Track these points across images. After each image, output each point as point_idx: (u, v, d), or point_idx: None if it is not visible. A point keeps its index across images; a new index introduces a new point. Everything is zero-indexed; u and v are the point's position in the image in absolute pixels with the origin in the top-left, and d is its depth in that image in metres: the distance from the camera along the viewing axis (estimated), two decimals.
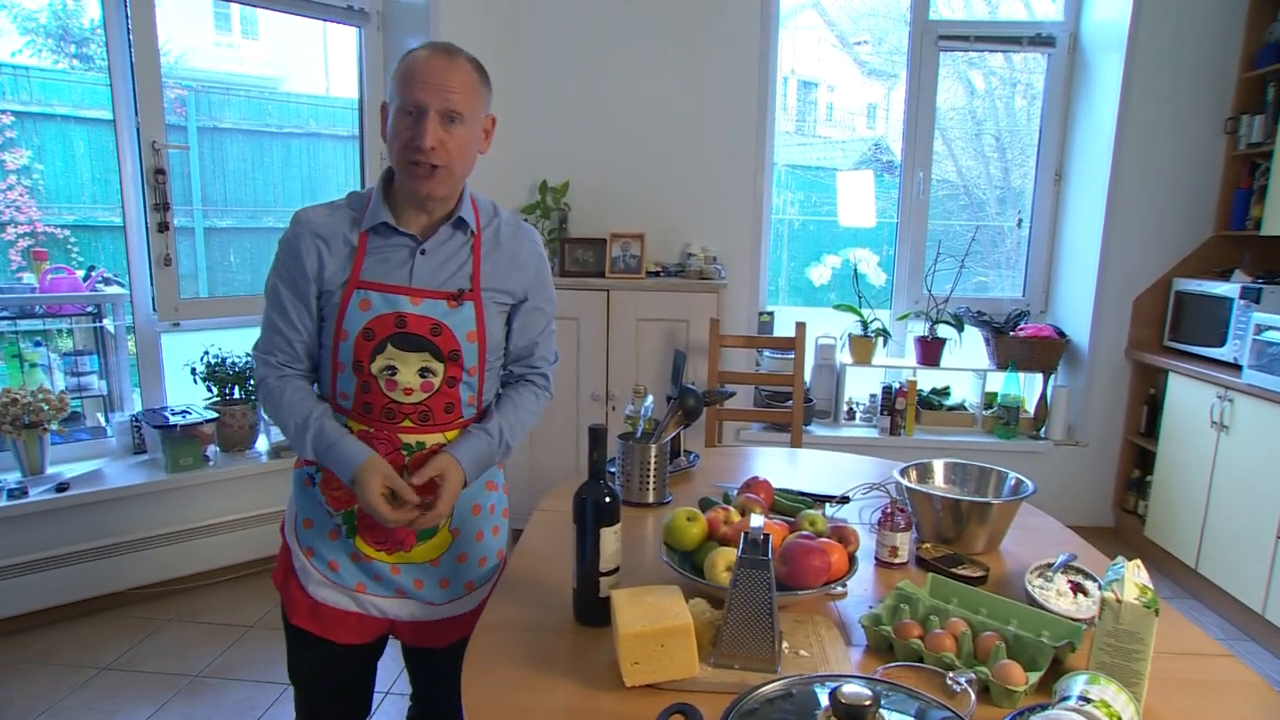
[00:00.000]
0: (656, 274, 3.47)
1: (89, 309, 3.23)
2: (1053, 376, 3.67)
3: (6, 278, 3.36)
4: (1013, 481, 1.63)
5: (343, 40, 3.55)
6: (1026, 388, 3.70)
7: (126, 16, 2.78)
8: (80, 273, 3.18)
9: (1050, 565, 1.38)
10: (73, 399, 2.95)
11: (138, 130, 2.87)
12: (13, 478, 2.77)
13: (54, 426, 2.85)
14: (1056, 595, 1.31)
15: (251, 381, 3.19)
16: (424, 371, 1.38)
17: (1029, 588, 1.31)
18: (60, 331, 3.33)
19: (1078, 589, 1.32)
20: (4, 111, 3.52)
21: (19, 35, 3.90)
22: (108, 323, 3.18)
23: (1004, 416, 3.58)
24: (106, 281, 3.18)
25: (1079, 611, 1.26)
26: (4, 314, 3.20)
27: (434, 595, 1.50)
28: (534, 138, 3.64)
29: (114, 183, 2.98)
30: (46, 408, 2.78)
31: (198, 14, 3.87)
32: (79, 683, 2.47)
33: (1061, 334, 3.64)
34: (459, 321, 1.39)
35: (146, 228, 2.95)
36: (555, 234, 3.53)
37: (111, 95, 2.85)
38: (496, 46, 3.57)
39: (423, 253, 1.39)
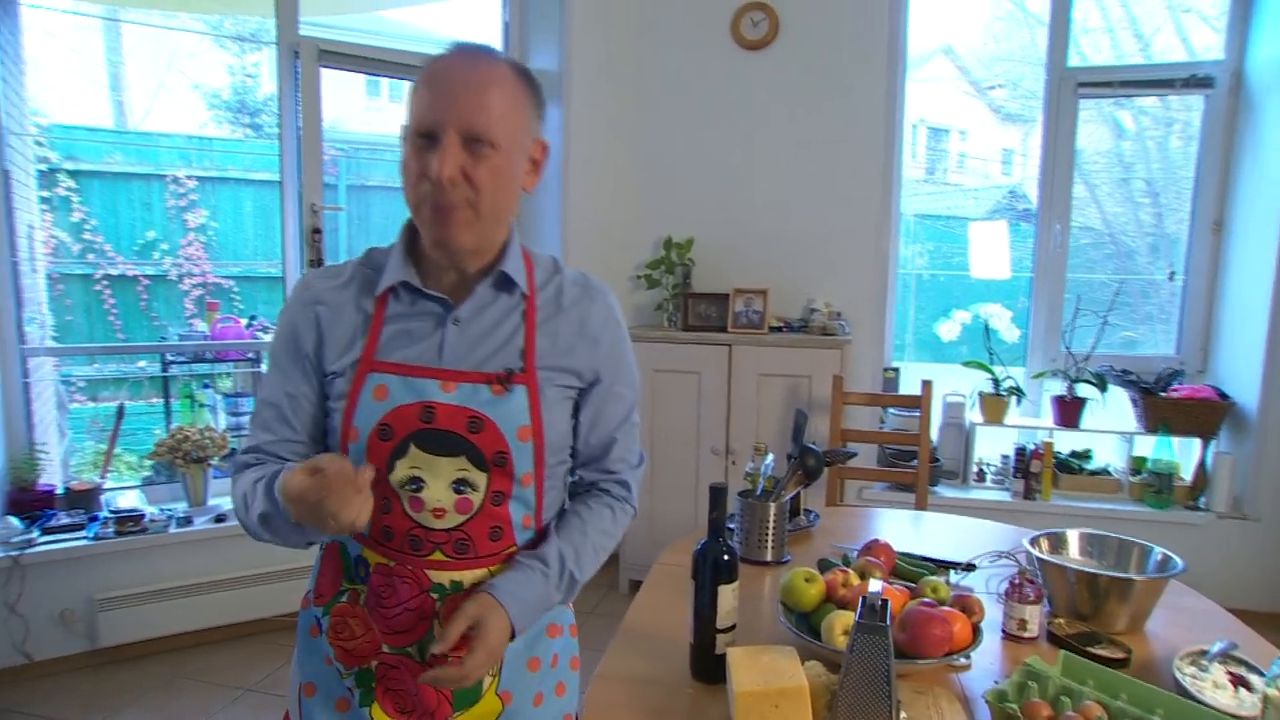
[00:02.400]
0: (779, 329, 3.46)
1: (249, 354, 3.55)
2: (1213, 442, 3.38)
3: (183, 325, 3.74)
4: (1159, 557, 1.52)
5: None
6: (1182, 453, 3.42)
7: (297, 92, 3.08)
8: (244, 321, 3.51)
9: (1205, 652, 1.27)
10: (231, 437, 3.22)
11: (299, 193, 3.16)
12: (180, 508, 3.04)
13: (215, 462, 3.12)
14: (1213, 687, 1.20)
15: None
16: (460, 485, 1.03)
17: (1179, 675, 1.21)
18: (222, 374, 3.67)
19: (1239, 682, 1.21)
20: (190, 177, 3.97)
21: (206, 110, 4.40)
22: (264, 367, 3.48)
23: (1155, 484, 3.31)
24: (266, 330, 3.49)
25: (1240, 708, 1.15)
26: (181, 358, 3.56)
27: None
28: (659, 194, 3.75)
29: (273, 237, 3.28)
30: (211, 444, 3.06)
31: (352, 84, 4.24)
32: (227, 700, 2.65)
33: (1224, 396, 3.35)
34: (507, 413, 1.03)
35: None
36: (679, 289, 3.60)
37: (280, 162, 3.15)
38: (625, 106, 3.72)
39: (455, 321, 1.06)
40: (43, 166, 3.22)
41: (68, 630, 2.79)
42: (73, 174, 3.68)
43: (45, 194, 3.27)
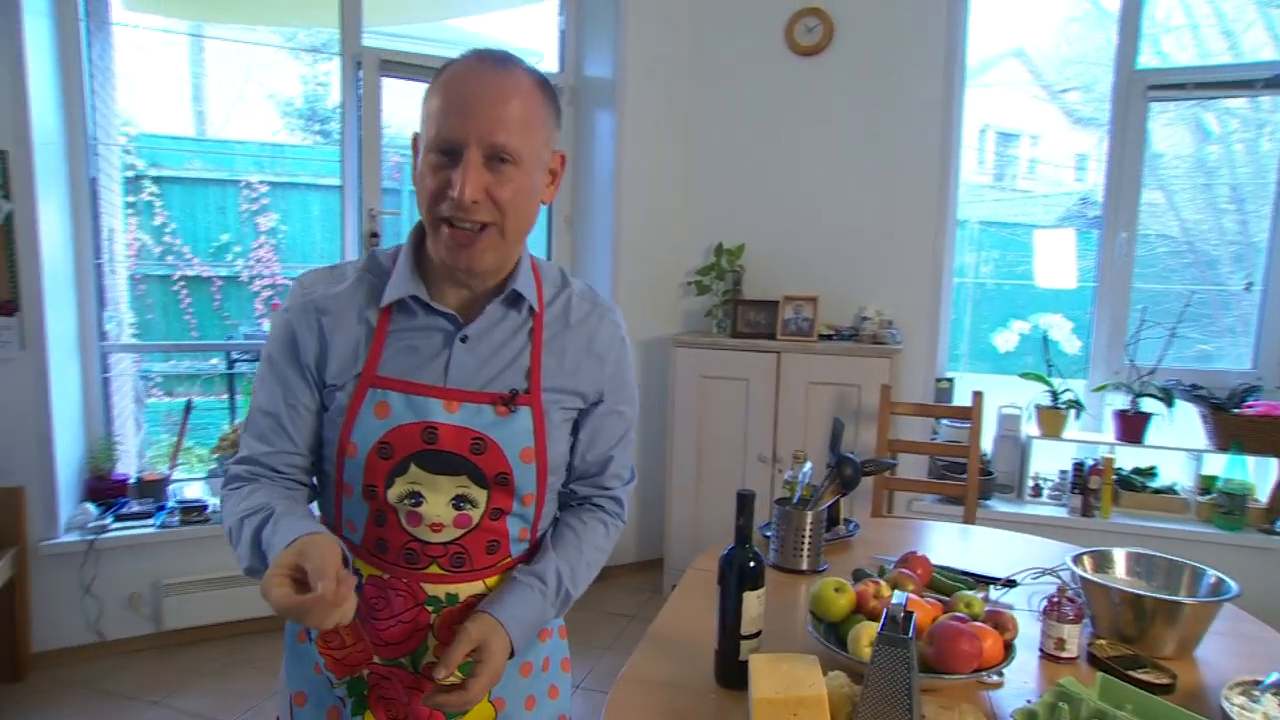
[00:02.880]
0: (829, 337, 3.43)
1: None
2: None
3: (252, 325, 3.89)
4: (1212, 580, 1.45)
5: None
6: (1258, 474, 3.25)
7: (358, 100, 3.19)
8: None
9: (1258, 682, 1.22)
10: None
11: (359, 198, 3.26)
12: None
13: None
14: (1263, 719, 1.15)
15: None
16: (459, 501, 1.01)
17: (1226, 705, 1.16)
18: None
19: None
20: (262, 182, 4.13)
21: (279, 118, 4.58)
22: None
23: (1226, 505, 3.16)
24: None
25: None
26: (246, 357, 3.71)
27: None
28: (711, 200, 3.75)
29: (337, 241, 3.39)
30: None
31: (420, 91, 4.37)
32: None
33: None
34: (511, 434, 1.01)
35: None
36: (729, 295, 3.60)
37: (341, 168, 3.26)
38: (678, 114, 3.74)
39: (464, 340, 1.02)
40: (130, 174, 3.40)
41: (136, 612, 2.94)
42: (156, 180, 3.86)
43: (131, 199, 3.44)
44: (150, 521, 2.94)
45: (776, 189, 3.67)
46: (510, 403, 1.01)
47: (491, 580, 1.06)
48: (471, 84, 0.94)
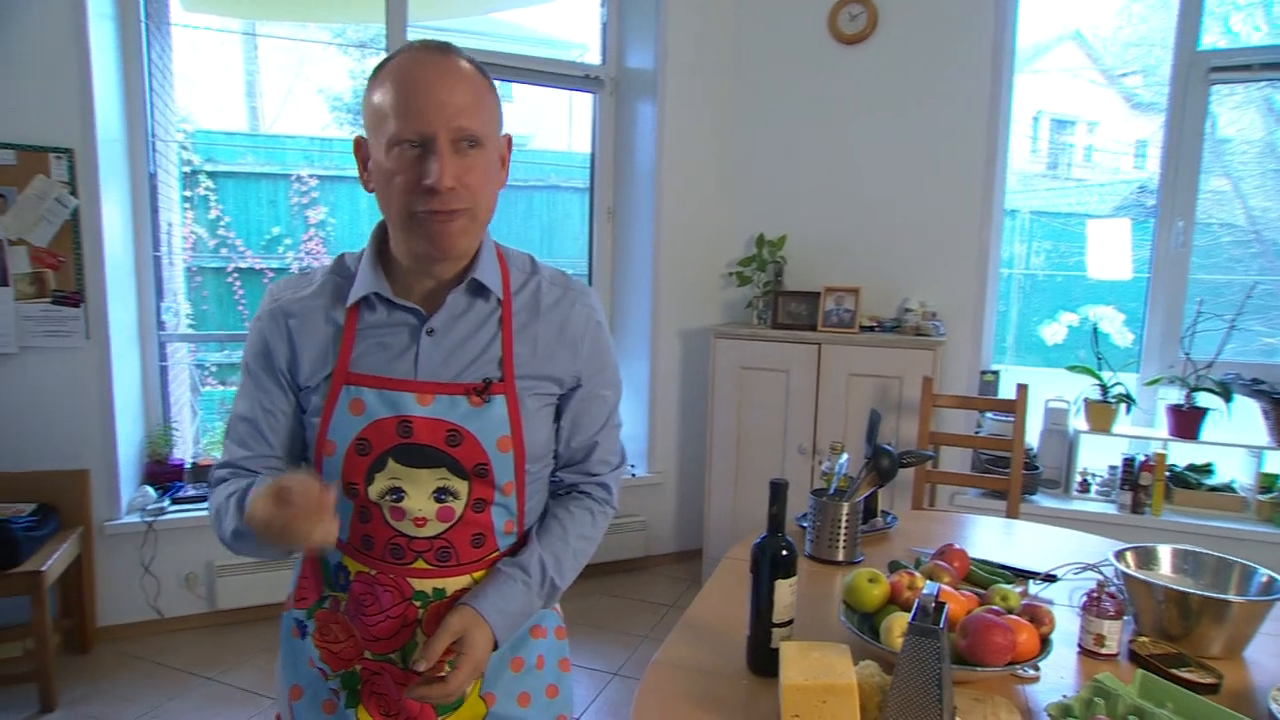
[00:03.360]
0: (871, 329, 3.39)
1: None
2: None
3: None
4: (1263, 579, 1.41)
5: (584, 101, 3.88)
6: None
7: None
8: None
9: None
10: None
11: None
12: None
13: None
14: None
15: None
16: (441, 494, 1.02)
17: (1273, 707, 1.13)
18: None
19: None
20: (312, 175, 4.23)
21: (328, 112, 4.67)
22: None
23: None
24: None
25: None
26: None
27: None
28: (753, 191, 3.74)
29: None
30: None
31: None
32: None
33: None
34: (486, 424, 1.02)
35: None
36: (770, 286, 3.58)
37: None
38: (720, 104, 3.72)
39: (430, 332, 1.03)
40: (187, 169, 3.50)
41: (191, 592, 3.06)
42: (211, 175, 3.97)
43: (188, 194, 3.55)
44: (204, 505, 3.03)
45: (819, 179, 3.64)
46: (484, 393, 1.02)
47: (479, 575, 1.07)
48: (424, 74, 0.95)
